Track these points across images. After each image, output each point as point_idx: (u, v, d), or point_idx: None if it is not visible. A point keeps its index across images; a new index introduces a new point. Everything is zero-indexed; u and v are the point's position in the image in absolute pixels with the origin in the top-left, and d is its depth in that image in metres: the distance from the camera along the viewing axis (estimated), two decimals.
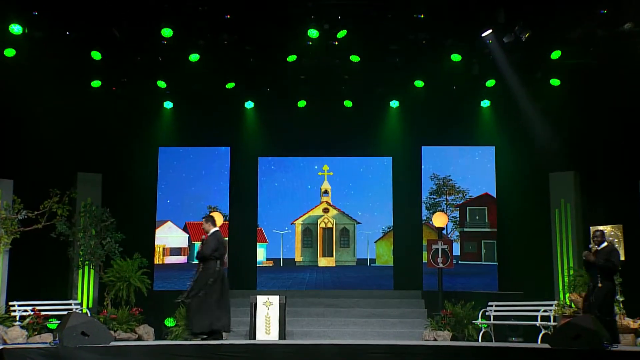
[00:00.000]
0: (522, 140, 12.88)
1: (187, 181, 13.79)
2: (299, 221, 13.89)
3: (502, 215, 13.27)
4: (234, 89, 12.97)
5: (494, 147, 13.47)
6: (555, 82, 12.22)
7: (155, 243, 13.43)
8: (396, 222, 13.57)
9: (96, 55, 11.67)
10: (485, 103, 13.23)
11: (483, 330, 11.34)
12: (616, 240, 11.09)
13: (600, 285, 8.97)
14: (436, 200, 13.57)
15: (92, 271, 12.33)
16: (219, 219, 12.36)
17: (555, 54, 11.68)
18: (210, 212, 13.21)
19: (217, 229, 9.73)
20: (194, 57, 12.01)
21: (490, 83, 12.66)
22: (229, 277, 12.95)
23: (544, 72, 12.13)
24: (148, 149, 13.44)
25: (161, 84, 12.75)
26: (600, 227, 10.69)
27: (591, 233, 9.64)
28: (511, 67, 11.89)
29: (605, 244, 9.27)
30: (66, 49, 11.44)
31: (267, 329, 10.72)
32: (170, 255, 13.57)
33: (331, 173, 13.91)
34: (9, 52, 11.26)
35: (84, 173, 12.71)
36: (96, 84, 12.41)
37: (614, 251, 9.28)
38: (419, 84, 12.81)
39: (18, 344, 9.83)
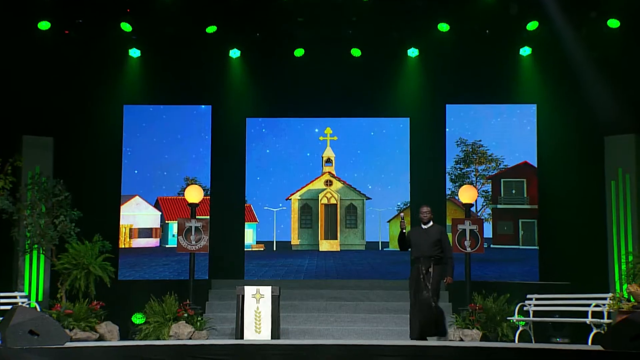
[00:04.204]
0: (570, 96, 12.87)
1: (158, 147, 13.82)
2: (296, 196, 13.91)
3: (545, 189, 13.30)
4: (216, 34, 12.94)
5: (535, 105, 13.50)
6: (613, 23, 12.13)
7: (120, 223, 13.48)
8: (414, 198, 13.60)
9: None
10: (526, 51, 13.20)
11: (520, 328, 11.41)
12: None
13: (432, 269, 10.06)
14: (463, 171, 13.65)
15: (42, 257, 12.36)
16: (198, 193, 12.25)
17: None
18: (188, 184, 13.15)
19: None
20: None
21: (532, 26, 12.66)
22: (211, 263, 13.19)
23: (600, 11, 12.08)
24: (110, 107, 13.42)
25: (126, 26, 12.69)
26: None
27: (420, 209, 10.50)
28: (558, 5, 11.83)
29: (431, 223, 10.35)
30: None
31: (257, 327, 10.80)
32: (139, 237, 13.66)
33: (335, 137, 13.94)
34: None
35: (31, 136, 12.67)
36: (44, 26, 12.32)
37: (444, 233, 10.32)
38: (443, 27, 12.79)
39: None
